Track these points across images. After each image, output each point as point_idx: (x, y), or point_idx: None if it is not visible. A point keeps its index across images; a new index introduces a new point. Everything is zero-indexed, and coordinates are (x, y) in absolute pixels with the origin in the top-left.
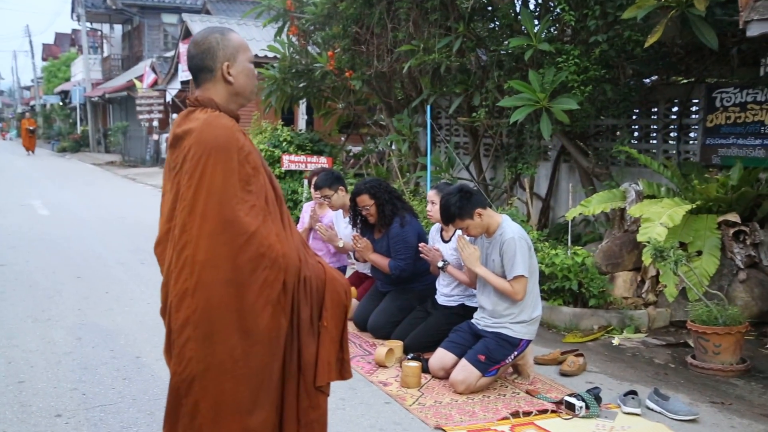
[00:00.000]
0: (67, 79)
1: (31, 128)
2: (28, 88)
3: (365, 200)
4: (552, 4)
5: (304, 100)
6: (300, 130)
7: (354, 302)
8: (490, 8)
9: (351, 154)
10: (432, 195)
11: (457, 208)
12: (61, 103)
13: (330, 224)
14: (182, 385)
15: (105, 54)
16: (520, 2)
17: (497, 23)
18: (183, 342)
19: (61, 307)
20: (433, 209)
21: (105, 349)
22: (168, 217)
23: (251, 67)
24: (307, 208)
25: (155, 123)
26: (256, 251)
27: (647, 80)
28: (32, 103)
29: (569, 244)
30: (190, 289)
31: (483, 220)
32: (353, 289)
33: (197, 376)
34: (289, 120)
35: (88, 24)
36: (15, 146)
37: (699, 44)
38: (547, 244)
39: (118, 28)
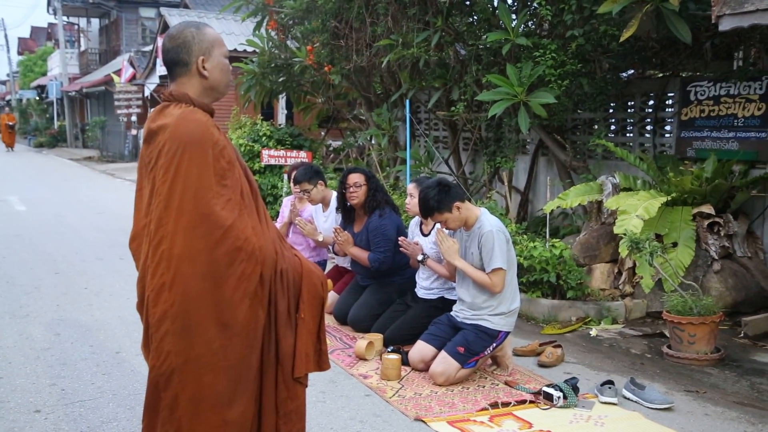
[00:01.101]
0: (44, 74)
1: (11, 124)
2: (3, 83)
3: (358, 178)
4: None
5: (284, 94)
6: (280, 125)
7: (332, 295)
8: (468, 3)
9: (331, 148)
10: (411, 188)
11: (436, 202)
12: (37, 98)
13: (309, 218)
14: (161, 379)
15: (82, 48)
16: None
17: (475, 18)
18: (161, 336)
19: (39, 303)
20: (412, 202)
21: (84, 344)
22: (144, 212)
23: (226, 61)
24: (286, 203)
25: (134, 118)
26: (232, 245)
27: (623, 74)
28: (8, 97)
29: (547, 236)
30: (167, 284)
31: (461, 213)
32: (329, 281)
33: (176, 370)
34: (268, 114)
35: (64, 18)
36: None
37: (673, 38)
38: (525, 237)
39: (95, 22)
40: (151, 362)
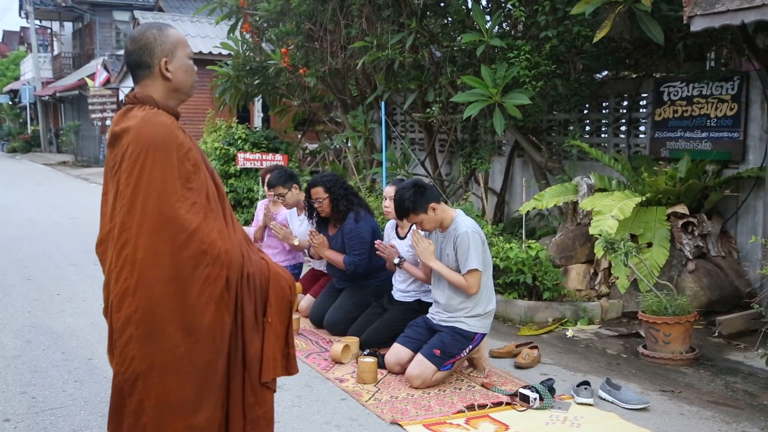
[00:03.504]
0: (17, 78)
1: None
2: None
3: (319, 192)
4: (503, 0)
5: (259, 97)
6: (255, 128)
7: (308, 298)
8: (442, 4)
9: (307, 151)
10: (388, 191)
11: (411, 203)
12: (10, 103)
13: (284, 222)
14: (125, 385)
15: (55, 52)
16: None
17: (449, 19)
18: (125, 341)
19: (10, 310)
20: (390, 205)
21: (56, 351)
22: (109, 216)
23: (190, 62)
24: (261, 206)
25: (108, 122)
26: (197, 248)
27: (597, 75)
28: None
29: (523, 237)
30: (131, 288)
31: (437, 214)
32: (298, 284)
33: (140, 376)
34: (244, 118)
35: (37, 22)
36: None
37: (646, 39)
38: (501, 238)
39: (69, 26)
40: (116, 368)
